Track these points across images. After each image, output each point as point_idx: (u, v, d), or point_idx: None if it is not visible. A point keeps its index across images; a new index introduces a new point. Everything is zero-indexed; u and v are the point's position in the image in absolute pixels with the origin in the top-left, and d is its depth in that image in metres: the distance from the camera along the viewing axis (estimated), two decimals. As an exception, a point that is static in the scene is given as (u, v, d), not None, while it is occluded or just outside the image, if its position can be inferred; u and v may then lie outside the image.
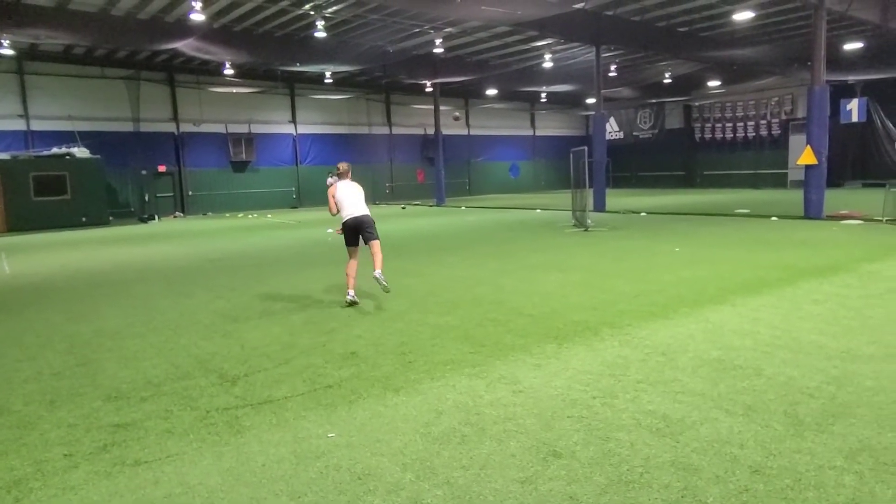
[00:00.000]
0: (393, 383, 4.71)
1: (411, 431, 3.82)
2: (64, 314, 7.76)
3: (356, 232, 7.67)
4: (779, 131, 33.08)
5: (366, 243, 7.65)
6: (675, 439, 3.55)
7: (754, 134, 34.29)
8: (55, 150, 23.65)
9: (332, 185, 7.89)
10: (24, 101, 24.94)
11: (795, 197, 20.48)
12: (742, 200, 23.49)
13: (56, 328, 7.00)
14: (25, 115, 25.00)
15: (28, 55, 24.23)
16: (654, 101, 36.26)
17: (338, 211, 7.68)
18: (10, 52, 21.24)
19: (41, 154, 23.50)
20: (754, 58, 24.76)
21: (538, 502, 2.96)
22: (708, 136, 36.43)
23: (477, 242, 13.99)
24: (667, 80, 30.42)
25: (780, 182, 32.62)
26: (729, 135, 35.44)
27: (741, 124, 34.83)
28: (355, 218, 7.63)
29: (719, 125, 35.81)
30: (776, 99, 33.11)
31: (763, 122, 33.85)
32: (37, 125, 25.18)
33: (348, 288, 7.58)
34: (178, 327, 6.81)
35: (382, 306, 7.42)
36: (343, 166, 8.02)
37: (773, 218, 16.64)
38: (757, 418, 3.80)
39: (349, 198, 7.68)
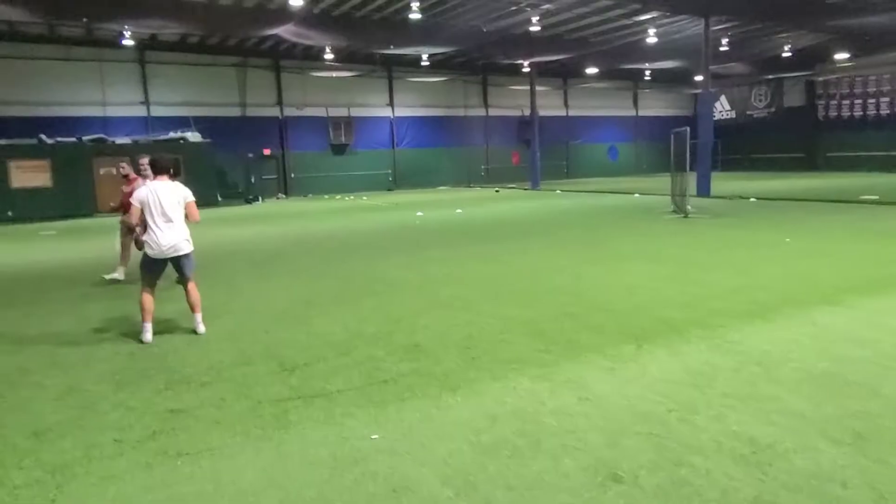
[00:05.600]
0: (451, 381, 4.42)
1: (460, 439, 3.53)
2: (154, 293, 8.05)
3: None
4: (920, 108, 29.69)
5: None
6: (762, 470, 3.03)
7: (889, 111, 30.89)
8: (171, 134, 25.17)
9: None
10: (144, 89, 26.70)
11: (936, 182, 18.25)
12: (871, 185, 21.17)
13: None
14: (146, 102, 26.76)
15: (148, 45, 25.84)
16: (771, 76, 33.52)
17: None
18: (131, 42, 22.74)
19: (159, 138, 25.08)
20: (892, 25, 22.13)
21: (587, 537, 2.58)
22: (833, 114, 33.25)
23: (566, 228, 13.42)
24: (786, 54, 27.95)
25: (918, 165, 29.30)
26: (858, 112, 32.17)
27: (873, 101, 31.52)
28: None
29: (847, 102, 32.57)
30: (918, 72, 29.68)
31: (901, 97, 30.48)
32: (156, 111, 26.90)
33: None
34: (252, 311, 6.87)
35: (457, 295, 7.15)
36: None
37: (908, 206, 14.84)
38: (868, 450, 3.19)
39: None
